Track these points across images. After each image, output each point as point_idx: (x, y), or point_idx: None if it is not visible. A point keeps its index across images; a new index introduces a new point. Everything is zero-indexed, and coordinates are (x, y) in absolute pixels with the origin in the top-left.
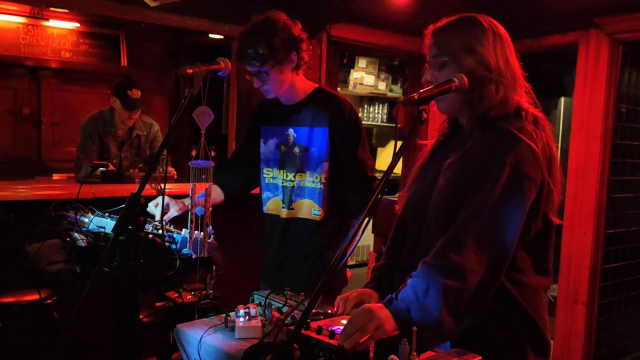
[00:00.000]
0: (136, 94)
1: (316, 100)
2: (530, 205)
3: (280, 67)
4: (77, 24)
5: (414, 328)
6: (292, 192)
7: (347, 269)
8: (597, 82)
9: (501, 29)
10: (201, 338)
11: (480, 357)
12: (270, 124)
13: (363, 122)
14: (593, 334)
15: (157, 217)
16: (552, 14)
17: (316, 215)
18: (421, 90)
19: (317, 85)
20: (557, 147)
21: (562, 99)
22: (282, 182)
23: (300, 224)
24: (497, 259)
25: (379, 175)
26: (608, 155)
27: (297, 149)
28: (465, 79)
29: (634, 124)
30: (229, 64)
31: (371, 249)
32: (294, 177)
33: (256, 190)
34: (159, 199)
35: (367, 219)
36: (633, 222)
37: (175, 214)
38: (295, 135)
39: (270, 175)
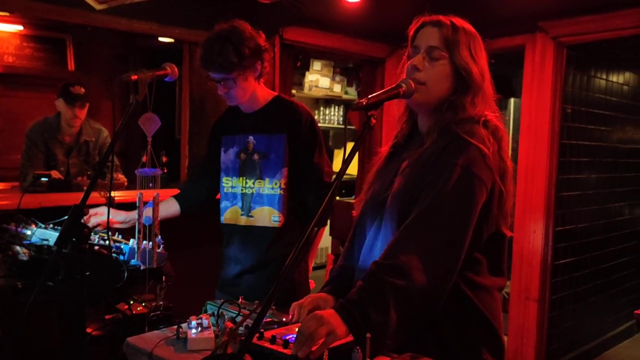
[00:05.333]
0: (79, 89)
1: (275, 107)
2: (482, 208)
3: (246, 75)
4: (21, 27)
5: (368, 335)
6: (252, 200)
7: (311, 280)
8: (543, 84)
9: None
10: (152, 351)
11: None
12: (231, 132)
13: (319, 125)
14: (545, 329)
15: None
16: (501, 17)
17: (276, 222)
18: (369, 96)
19: (276, 94)
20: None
21: (512, 100)
22: (242, 190)
23: (259, 232)
24: (447, 259)
25: None
26: (555, 154)
27: (256, 156)
28: (413, 85)
29: (579, 124)
30: (176, 69)
31: (329, 251)
32: (253, 183)
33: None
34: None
35: (317, 226)
36: (580, 219)
37: (98, 221)
38: (255, 142)
39: (230, 184)
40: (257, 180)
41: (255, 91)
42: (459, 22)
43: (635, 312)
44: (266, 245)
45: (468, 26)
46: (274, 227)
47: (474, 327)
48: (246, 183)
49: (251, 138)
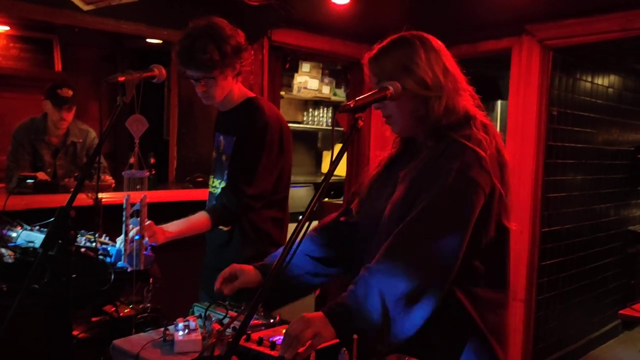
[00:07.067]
0: (67, 92)
1: (242, 110)
2: (480, 213)
3: (226, 74)
4: (7, 27)
5: (355, 336)
6: (214, 200)
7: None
8: (529, 86)
9: (433, 40)
10: (138, 353)
11: None
12: (215, 130)
13: (308, 126)
14: (531, 329)
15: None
16: (487, 20)
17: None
18: (357, 98)
19: (252, 95)
20: None
21: (499, 102)
22: (210, 188)
23: (216, 234)
24: (440, 264)
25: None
26: (541, 156)
27: (224, 157)
28: (399, 86)
29: (565, 126)
30: (164, 71)
31: None
32: (219, 184)
33: (198, 197)
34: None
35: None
36: (566, 220)
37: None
38: (224, 142)
39: None
40: (222, 181)
41: (232, 90)
42: (385, 43)
43: (620, 312)
44: (217, 249)
45: (395, 40)
46: (222, 231)
47: (465, 337)
48: (213, 182)
49: (221, 138)
